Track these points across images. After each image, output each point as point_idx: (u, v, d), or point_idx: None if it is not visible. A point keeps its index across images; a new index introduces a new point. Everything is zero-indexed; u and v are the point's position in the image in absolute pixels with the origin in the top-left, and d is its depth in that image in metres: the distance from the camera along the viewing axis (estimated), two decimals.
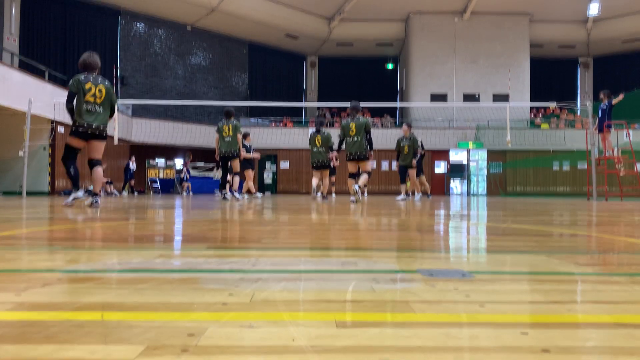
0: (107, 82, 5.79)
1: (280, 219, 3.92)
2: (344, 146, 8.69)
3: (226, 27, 25.63)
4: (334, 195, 12.25)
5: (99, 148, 5.78)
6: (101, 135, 5.74)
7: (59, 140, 15.28)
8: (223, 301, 0.98)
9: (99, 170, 5.80)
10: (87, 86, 5.60)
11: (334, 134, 11.89)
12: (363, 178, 8.42)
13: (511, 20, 26.31)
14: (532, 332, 0.79)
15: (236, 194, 9.79)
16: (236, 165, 9.67)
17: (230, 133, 9.38)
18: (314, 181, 10.92)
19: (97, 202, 5.68)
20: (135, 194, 19.35)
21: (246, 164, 12.15)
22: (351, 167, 8.55)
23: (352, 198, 8.32)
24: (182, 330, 0.78)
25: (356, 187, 8.12)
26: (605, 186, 12.04)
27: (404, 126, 11.15)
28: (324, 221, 3.73)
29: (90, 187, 5.89)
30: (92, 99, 5.60)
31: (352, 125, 8.32)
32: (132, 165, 19.21)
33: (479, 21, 26.12)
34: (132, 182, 19.65)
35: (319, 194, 10.91)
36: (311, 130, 14.54)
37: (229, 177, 12.03)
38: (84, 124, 5.58)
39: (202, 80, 25.78)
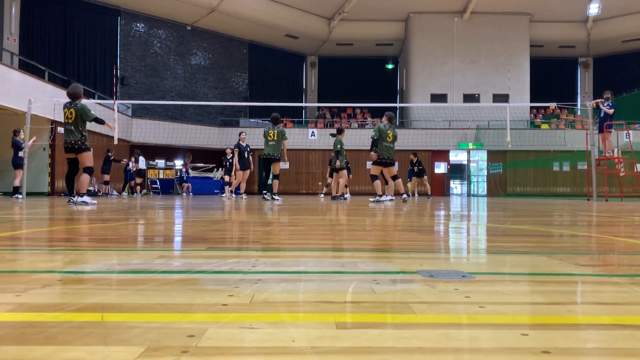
0: (79, 106, 7.27)
1: (281, 220, 3.92)
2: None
3: (226, 27, 25.63)
4: (345, 196, 12.57)
5: (82, 158, 7.29)
6: (80, 148, 7.20)
7: (59, 141, 15.27)
8: (223, 302, 0.98)
9: (82, 177, 7.32)
10: (64, 111, 7.27)
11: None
12: (399, 183, 9.44)
13: (511, 20, 26.31)
14: (533, 333, 0.79)
15: (276, 197, 10.34)
16: (276, 168, 10.39)
17: (275, 138, 10.23)
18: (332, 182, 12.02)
19: (80, 201, 7.06)
20: (135, 194, 19.33)
21: (245, 164, 12.29)
22: (376, 170, 9.46)
23: (404, 196, 9.69)
24: (182, 331, 0.78)
25: (405, 196, 9.66)
26: (605, 187, 12.04)
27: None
28: (323, 222, 3.73)
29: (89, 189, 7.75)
30: (66, 120, 7.24)
31: (390, 133, 9.24)
32: (132, 165, 19.18)
33: (479, 21, 26.12)
34: (133, 182, 19.62)
35: (322, 195, 11.42)
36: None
37: (233, 179, 12.24)
38: (64, 140, 7.28)
39: (202, 80, 25.77)
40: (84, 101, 7.71)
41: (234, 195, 13.85)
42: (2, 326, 0.81)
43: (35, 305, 0.95)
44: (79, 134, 7.20)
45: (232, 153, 14.63)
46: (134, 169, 19.14)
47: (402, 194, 9.63)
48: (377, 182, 9.36)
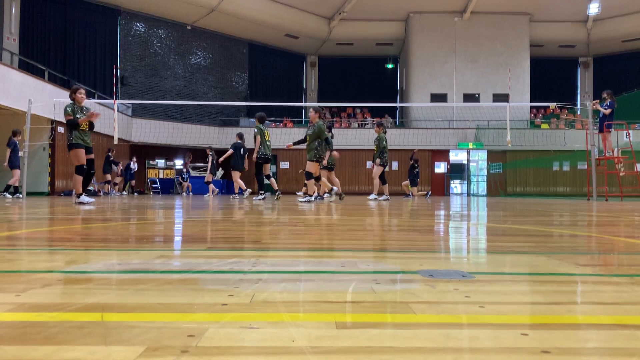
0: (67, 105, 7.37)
1: (280, 220, 3.92)
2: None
3: (226, 27, 25.62)
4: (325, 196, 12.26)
5: (70, 157, 7.28)
6: (70, 145, 7.21)
7: (59, 141, 15.28)
8: (223, 302, 0.98)
9: (73, 177, 7.27)
10: None
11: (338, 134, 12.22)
12: (324, 182, 9.80)
13: (511, 20, 26.30)
14: (532, 333, 0.79)
15: (265, 195, 10.47)
16: (267, 167, 10.67)
17: (269, 138, 10.56)
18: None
19: (76, 201, 7.09)
20: (135, 194, 19.37)
21: (238, 164, 12.30)
22: (317, 168, 9.60)
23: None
24: (182, 331, 0.78)
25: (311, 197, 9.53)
26: (605, 186, 12.04)
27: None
28: (323, 222, 3.73)
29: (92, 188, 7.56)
30: None
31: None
32: (134, 165, 19.26)
33: (479, 21, 26.11)
34: (133, 182, 19.68)
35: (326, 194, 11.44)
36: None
37: (235, 177, 12.38)
38: None
39: (202, 80, 25.77)
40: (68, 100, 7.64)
41: (217, 193, 13.97)
42: (2, 326, 0.81)
43: (35, 305, 0.95)
44: (69, 131, 7.28)
45: (211, 151, 14.85)
46: (133, 170, 19.27)
47: (312, 194, 9.36)
48: (312, 181, 9.44)
